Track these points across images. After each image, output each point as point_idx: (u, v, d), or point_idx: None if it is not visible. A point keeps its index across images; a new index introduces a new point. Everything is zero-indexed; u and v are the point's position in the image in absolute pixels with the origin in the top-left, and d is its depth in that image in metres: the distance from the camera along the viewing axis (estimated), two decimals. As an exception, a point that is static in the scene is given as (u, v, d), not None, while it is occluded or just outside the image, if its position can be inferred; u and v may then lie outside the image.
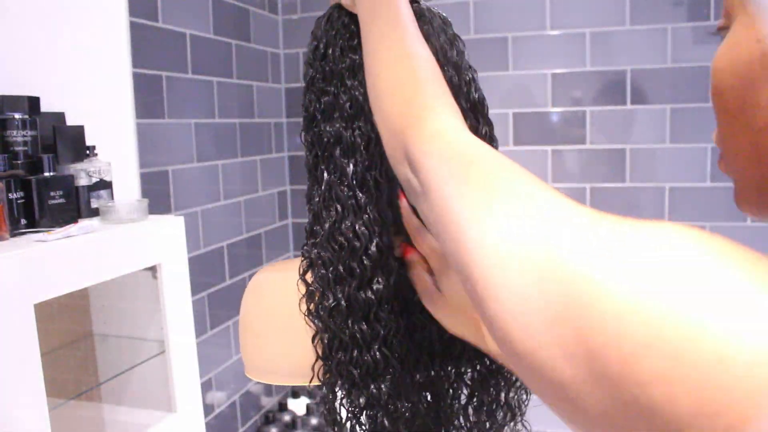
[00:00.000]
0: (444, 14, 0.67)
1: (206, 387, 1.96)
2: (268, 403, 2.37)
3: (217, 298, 2.01)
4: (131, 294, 1.34)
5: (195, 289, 1.81)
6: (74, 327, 1.36)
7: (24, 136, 1.15)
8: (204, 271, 1.95)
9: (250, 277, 2.20)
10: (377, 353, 0.61)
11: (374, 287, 0.60)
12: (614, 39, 2.14)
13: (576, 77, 2.20)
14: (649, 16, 2.10)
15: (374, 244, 0.60)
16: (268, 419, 2.21)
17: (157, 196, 1.71)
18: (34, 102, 1.19)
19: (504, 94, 2.27)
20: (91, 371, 1.36)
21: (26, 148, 1.15)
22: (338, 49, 0.63)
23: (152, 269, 1.29)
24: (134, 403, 1.37)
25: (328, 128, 0.63)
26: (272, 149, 2.41)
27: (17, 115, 1.14)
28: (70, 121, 1.32)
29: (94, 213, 1.27)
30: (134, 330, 1.36)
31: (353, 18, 0.63)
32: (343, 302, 0.61)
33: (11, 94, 1.17)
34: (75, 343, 1.36)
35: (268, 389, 2.38)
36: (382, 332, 0.61)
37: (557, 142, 2.24)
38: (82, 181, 1.26)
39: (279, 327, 0.65)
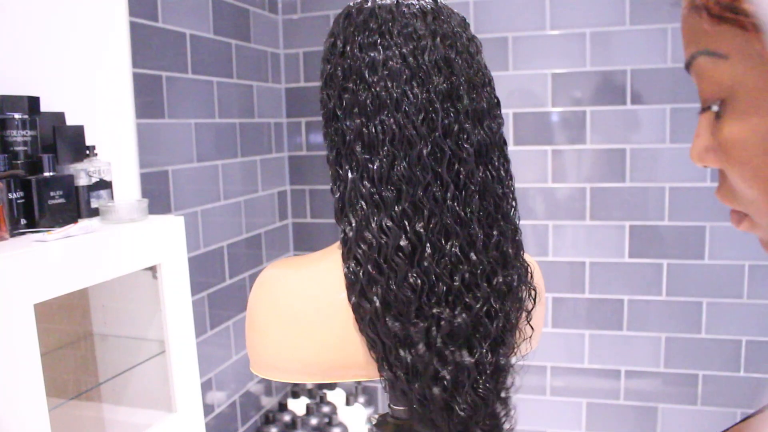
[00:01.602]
0: (462, 15, 0.69)
1: (206, 387, 1.96)
2: (268, 403, 2.37)
3: (217, 298, 2.01)
4: (131, 294, 1.34)
5: (195, 289, 1.81)
6: (74, 327, 1.36)
7: (24, 136, 1.15)
8: (204, 271, 1.95)
9: (251, 277, 2.21)
10: (417, 351, 0.61)
11: (410, 283, 0.60)
12: (614, 39, 2.14)
13: (576, 77, 2.20)
14: (649, 16, 2.09)
15: (403, 239, 0.60)
16: (268, 419, 2.21)
17: (157, 196, 1.71)
18: (34, 102, 1.19)
19: (504, 94, 2.27)
20: (91, 371, 1.36)
21: (26, 148, 1.15)
22: (357, 45, 0.64)
23: (152, 269, 1.29)
24: (134, 403, 1.37)
25: (348, 124, 0.63)
26: (272, 149, 2.41)
27: (17, 115, 1.14)
28: (70, 121, 1.32)
29: (94, 213, 1.27)
30: (134, 330, 1.36)
31: (373, 15, 0.64)
32: (377, 302, 0.60)
33: (11, 94, 1.17)
34: (75, 343, 1.36)
35: (268, 389, 2.38)
36: (420, 329, 0.60)
37: (557, 142, 2.24)
38: (82, 181, 1.26)
39: (285, 323, 0.65)
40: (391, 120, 0.61)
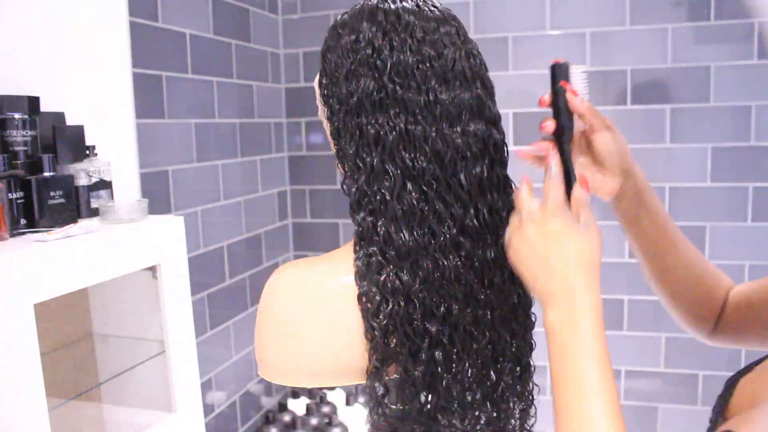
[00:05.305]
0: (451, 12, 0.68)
1: (206, 387, 1.96)
2: (268, 403, 2.37)
3: (217, 298, 2.01)
4: (131, 294, 1.34)
5: (195, 289, 1.81)
6: (74, 327, 1.36)
7: (24, 136, 1.15)
8: (204, 271, 1.95)
9: (251, 277, 2.21)
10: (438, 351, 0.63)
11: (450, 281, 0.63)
12: (614, 39, 2.14)
13: (576, 77, 2.19)
14: (649, 16, 2.09)
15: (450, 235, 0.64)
16: (268, 419, 2.21)
17: (157, 196, 1.71)
18: (34, 102, 1.19)
19: (504, 94, 2.26)
20: (91, 371, 1.36)
21: (26, 148, 1.15)
22: (390, 46, 0.64)
23: (152, 269, 1.29)
24: (134, 403, 1.37)
25: (388, 123, 0.63)
26: (272, 149, 2.41)
27: (17, 115, 1.14)
28: (70, 121, 1.32)
29: (94, 213, 1.27)
30: (134, 330, 1.36)
31: (399, 16, 0.64)
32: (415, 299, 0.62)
33: (11, 94, 1.17)
34: (75, 343, 1.36)
35: (268, 389, 2.38)
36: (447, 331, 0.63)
37: (557, 142, 2.23)
38: (82, 181, 1.26)
39: (324, 326, 0.63)
40: (430, 119, 0.63)
